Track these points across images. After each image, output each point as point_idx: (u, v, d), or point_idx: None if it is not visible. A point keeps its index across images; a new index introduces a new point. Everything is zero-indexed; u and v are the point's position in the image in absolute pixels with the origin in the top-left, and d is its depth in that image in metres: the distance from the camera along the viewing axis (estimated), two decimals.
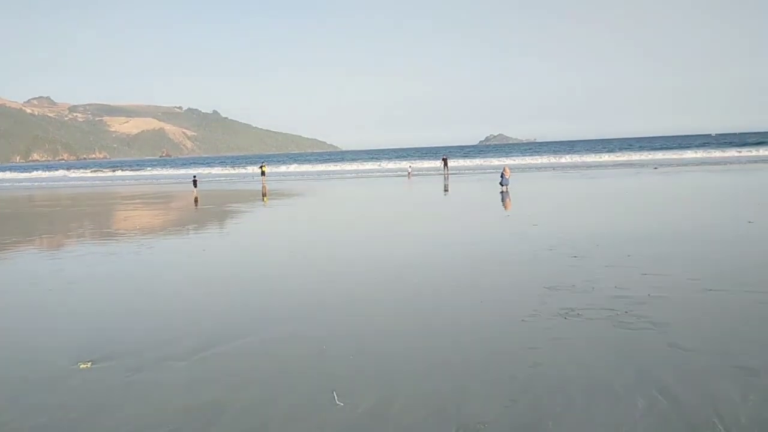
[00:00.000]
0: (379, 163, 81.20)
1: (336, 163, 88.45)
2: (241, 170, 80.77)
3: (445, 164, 51.30)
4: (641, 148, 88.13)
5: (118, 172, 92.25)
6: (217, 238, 16.51)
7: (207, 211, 25.65)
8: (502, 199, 23.97)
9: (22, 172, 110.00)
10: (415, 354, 6.32)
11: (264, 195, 33.81)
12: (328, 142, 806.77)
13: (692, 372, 5.55)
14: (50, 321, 8.29)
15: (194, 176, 42.15)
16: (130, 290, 9.93)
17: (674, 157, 64.53)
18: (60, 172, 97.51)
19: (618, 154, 76.23)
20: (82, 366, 6.33)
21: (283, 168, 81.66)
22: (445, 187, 34.83)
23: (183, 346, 6.79)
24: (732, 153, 64.88)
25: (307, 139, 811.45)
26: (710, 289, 8.30)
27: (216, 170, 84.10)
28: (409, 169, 52.99)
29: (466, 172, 53.89)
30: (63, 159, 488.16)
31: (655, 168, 44.98)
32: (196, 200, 31.22)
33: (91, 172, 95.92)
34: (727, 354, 5.95)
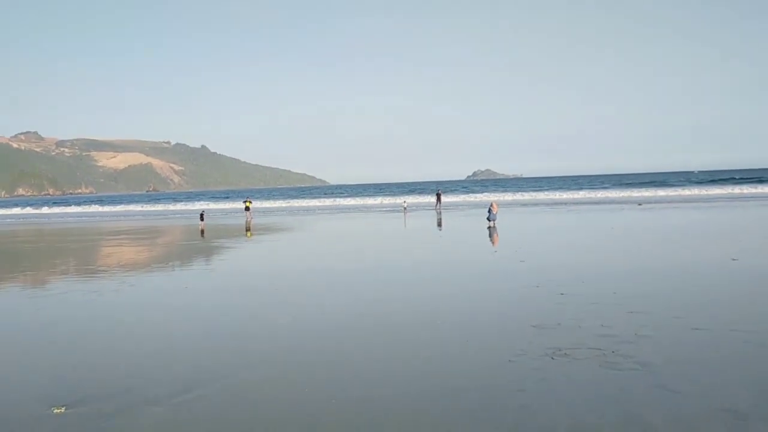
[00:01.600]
0: (370, 198, 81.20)
1: (327, 198, 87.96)
2: (223, 205, 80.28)
3: (438, 199, 51.91)
4: (626, 185, 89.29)
5: (104, 208, 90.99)
6: (200, 276, 16.28)
7: (191, 246, 25.40)
8: (490, 235, 24.02)
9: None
10: (399, 397, 6.17)
11: (248, 230, 33.65)
12: (317, 177, 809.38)
13: (680, 415, 5.46)
14: (25, 363, 8.05)
15: (202, 211, 47.18)
16: (108, 330, 9.71)
17: (658, 193, 65.36)
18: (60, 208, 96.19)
19: (603, 190, 77.16)
20: (55, 411, 6.11)
21: (270, 203, 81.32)
22: (438, 221, 34.90)
23: (159, 390, 6.58)
24: (715, 190, 65.87)
25: (296, 173, 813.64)
26: (696, 328, 8.27)
27: (199, 205, 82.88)
28: (405, 204, 53.22)
29: (458, 206, 54.12)
30: (48, 194, 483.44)
31: (640, 204, 45.50)
32: (202, 232, 33.02)
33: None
34: (715, 396, 5.88)
